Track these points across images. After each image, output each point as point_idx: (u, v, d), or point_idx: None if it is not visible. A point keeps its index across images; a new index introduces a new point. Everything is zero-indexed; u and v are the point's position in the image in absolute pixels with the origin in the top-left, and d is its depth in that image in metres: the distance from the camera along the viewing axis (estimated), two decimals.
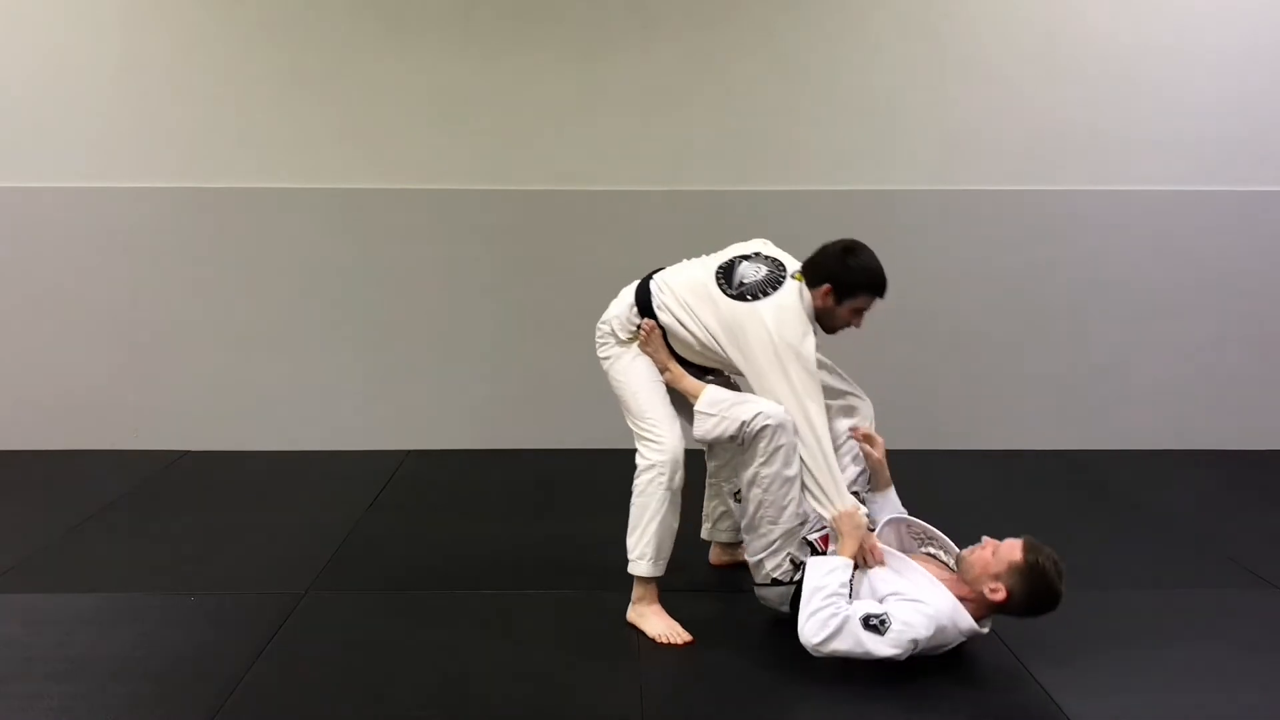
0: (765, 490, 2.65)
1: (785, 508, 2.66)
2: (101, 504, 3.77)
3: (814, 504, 2.67)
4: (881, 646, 2.45)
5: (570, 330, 4.41)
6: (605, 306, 4.38)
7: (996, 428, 4.50)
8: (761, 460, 2.64)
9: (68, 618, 2.86)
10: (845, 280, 2.72)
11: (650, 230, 4.35)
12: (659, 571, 2.77)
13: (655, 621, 2.76)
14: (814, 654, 2.49)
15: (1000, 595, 2.50)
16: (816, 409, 2.64)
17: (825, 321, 2.80)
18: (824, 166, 4.33)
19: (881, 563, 2.63)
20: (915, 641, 2.46)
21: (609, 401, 4.37)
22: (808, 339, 2.68)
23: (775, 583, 2.70)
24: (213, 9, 4.17)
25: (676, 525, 2.78)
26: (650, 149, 4.30)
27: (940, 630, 2.49)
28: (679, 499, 2.77)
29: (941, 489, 4.00)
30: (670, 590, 2.92)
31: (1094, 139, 4.33)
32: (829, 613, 2.47)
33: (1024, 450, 4.46)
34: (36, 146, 4.23)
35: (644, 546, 2.75)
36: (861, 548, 2.62)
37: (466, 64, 4.23)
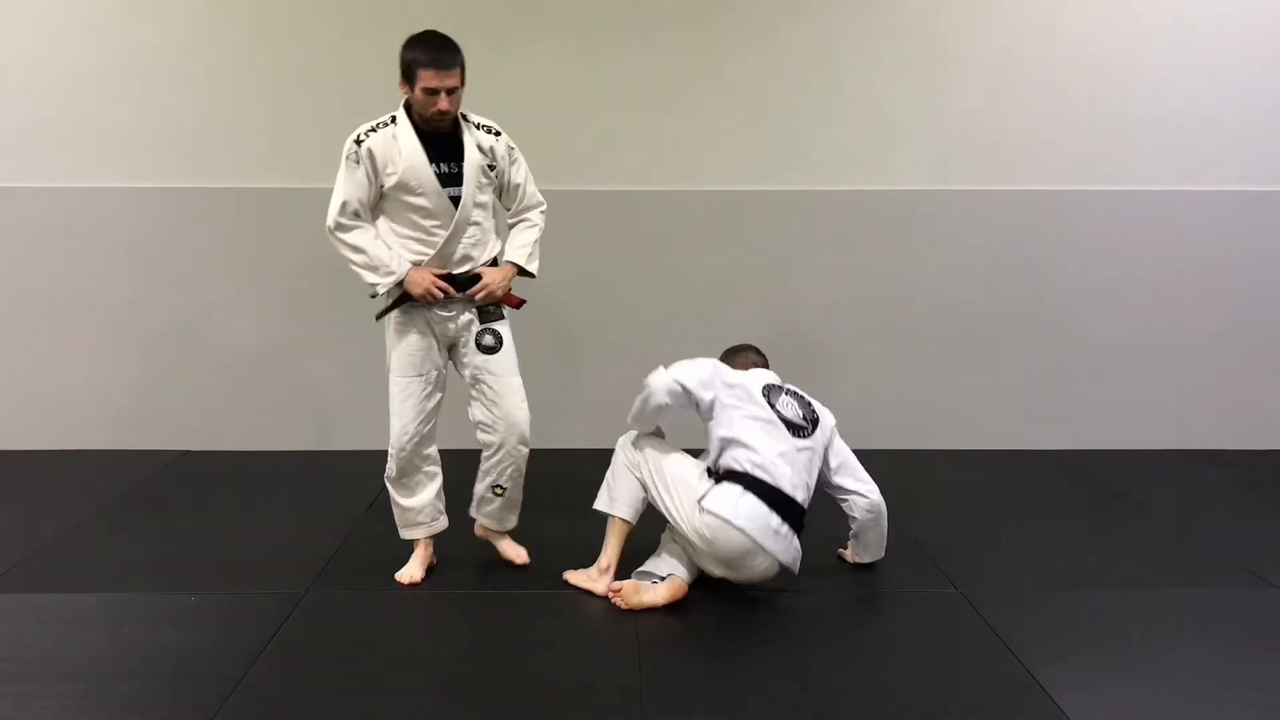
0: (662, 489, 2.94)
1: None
2: (101, 504, 3.78)
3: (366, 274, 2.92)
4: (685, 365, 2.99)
5: (568, 329, 4.42)
6: (604, 306, 4.43)
7: (996, 428, 4.50)
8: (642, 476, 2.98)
9: (68, 618, 2.85)
10: (402, 66, 2.81)
11: (649, 230, 4.36)
12: (406, 536, 3.11)
13: (408, 565, 3.10)
14: (671, 387, 2.93)
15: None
16: (338, 192, 2.84)
17: (420, 113, 2.84)
18: (824, 166, 4.33)
19: None
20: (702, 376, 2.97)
21: (607, 401, 4.39)
22: (356, 138, 2.83)
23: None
24: (212, 9, 4.18)
25: (409, 502, 3.06)
26: (650, 149, 4.30)
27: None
28: (408, 484, 3.05)
29: (941, 489, 4.01)
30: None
31: (1094, 139, 4.33)
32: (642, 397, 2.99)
33: (1024, 450, 4.46)
34: (37, 147, 4.23)
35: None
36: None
37: (466, 63, 4.22)
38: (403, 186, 2.85)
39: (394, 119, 2.86)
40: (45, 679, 2.52)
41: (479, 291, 2.96)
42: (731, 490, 2.83)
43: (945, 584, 3.10)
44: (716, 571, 2.92)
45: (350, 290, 4.37)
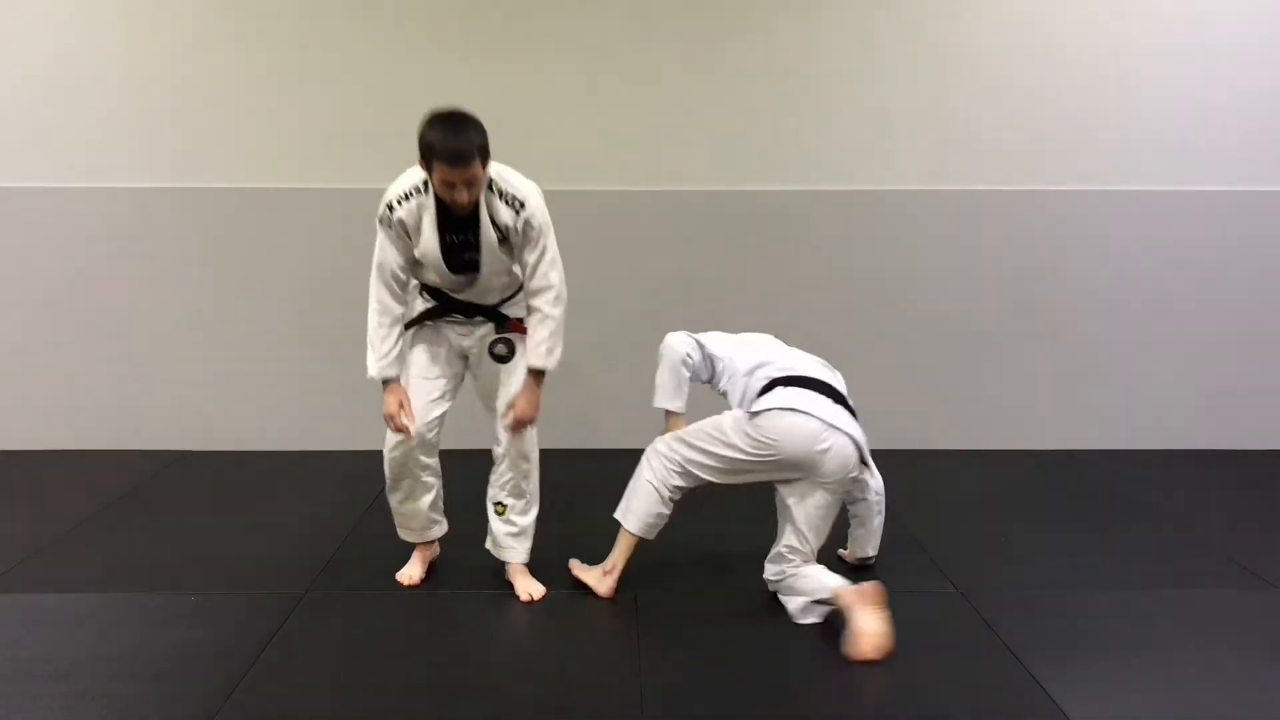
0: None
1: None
2: (101, 504, 3.78)
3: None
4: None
5: (569, 330, 4.41)
6: (605, 307, 4.42)
7: (996, 428, 4.50)
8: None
9: (68, 618, 2.86)
10: (419, 146, 2.67)
11: (650, 231, 4.35)
12: (400, 536, 3.13)
13: (408, 566, 3.13)
14: (685, 339, 3.04)
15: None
16: (376, 254, 2.81)
17: (439, 195, 2.71)
18: (824, 166, 4.33)
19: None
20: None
21: (609, 401, 4.40)
22: (389, 203, 2.76)
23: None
24: (212, 9, 4.17)
25: (403, 508, 3.05)
26: (650, 149, 4.30)
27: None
28: (401, 487, 3.01)
29: (941, 489, 4.01)
30: (671, 593, 2.93)
31: (1094, 139, 4.33)
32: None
33: (1024, 450, 4.46)
34: (36, 146, 4.23)
35: None
36: None
37: (466, 64, 4.24)
38: (420, 259, 2.81)
39: (426, 185, 2.73)
40: (45, 679, 2.52)
41: (512, 426, 2.91)
42: (775, 391, 2.87)
43: (945, 584, 3.10)
44: (806, 495, 2.85)
45: (350, 289, 4.39)
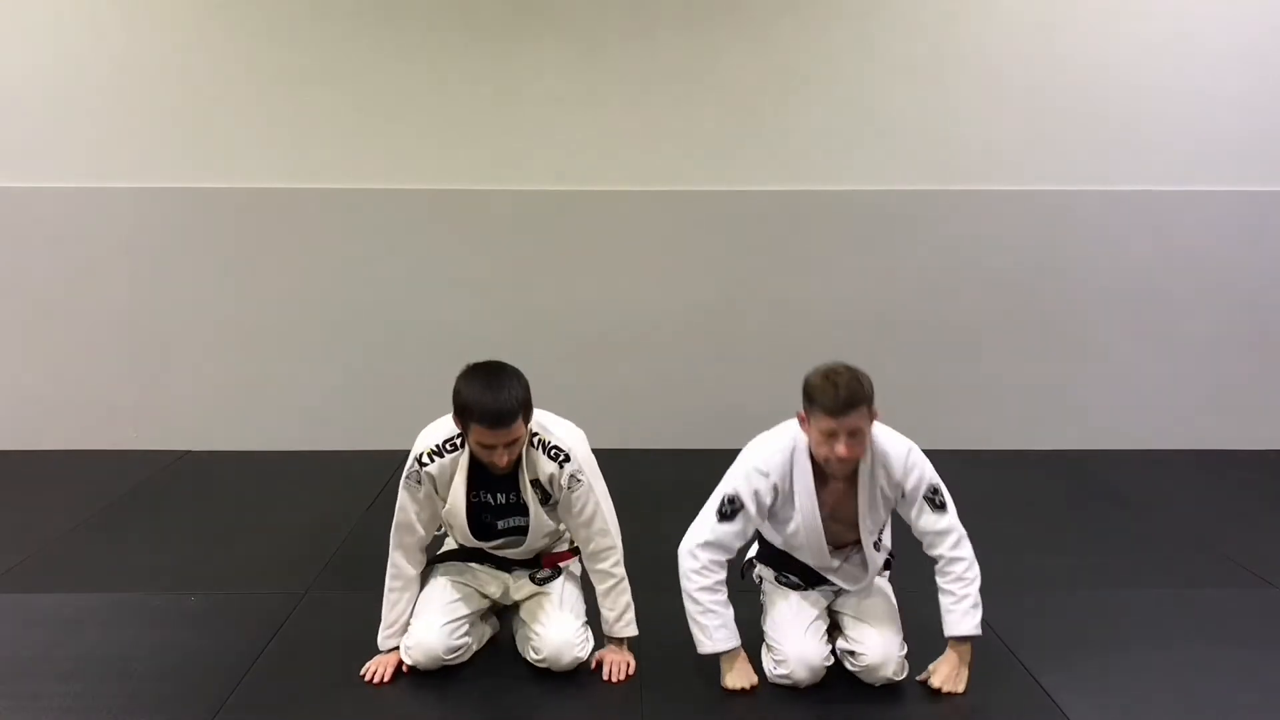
0: None
1: None
2: (101, 504, 3.78)
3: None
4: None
5: (570, 330, 4.42)
6: (606, 307, 4.42)
7: (996, 428, 4.50)
8: None
9: (68, 618, 2.86)
10: (455, 406, 2.41)
11: (650, 230, 4.36)
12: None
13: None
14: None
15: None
16: (398, 514, 2.54)
17: (476, 455, 2.47)
18: (824, 166, 4.33)
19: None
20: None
21: (611, 401, 4.40)
22: (419, 457, 2.51)
23: None
24: (213, 9, 4.18)
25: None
26: (650, 149, 4.30)
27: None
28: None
29: None
30: (671, 593, 2.93)
31: (1094, 139, 4.33)
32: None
33: (1024, 450, 4.46)
34: (36, 146, 4.23)
35: None
36: None
37: (467, 65, 4.24)
38: (446, 520, 2.59)
39: (461, 440, 2.47)
40: (45, 679, 2.53)
41: (611, 678, 2.52)
42: None
43: None
44: None
45: (350, 289, 4.40)
